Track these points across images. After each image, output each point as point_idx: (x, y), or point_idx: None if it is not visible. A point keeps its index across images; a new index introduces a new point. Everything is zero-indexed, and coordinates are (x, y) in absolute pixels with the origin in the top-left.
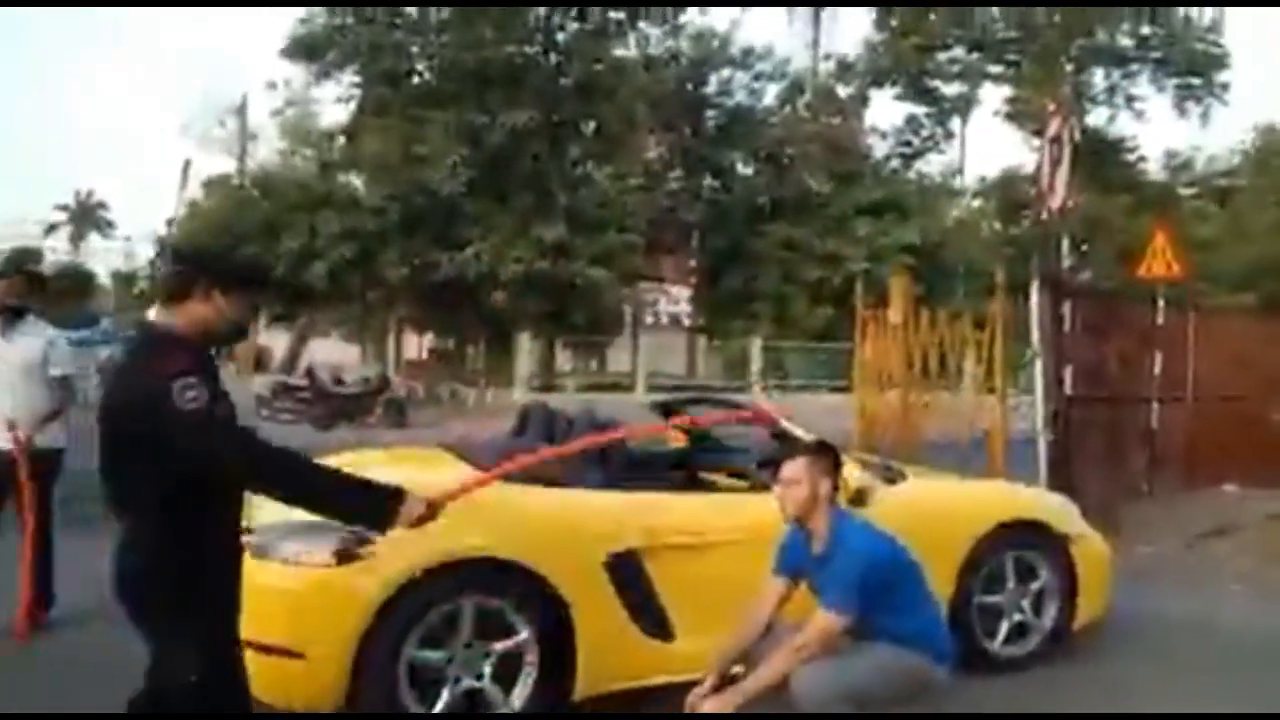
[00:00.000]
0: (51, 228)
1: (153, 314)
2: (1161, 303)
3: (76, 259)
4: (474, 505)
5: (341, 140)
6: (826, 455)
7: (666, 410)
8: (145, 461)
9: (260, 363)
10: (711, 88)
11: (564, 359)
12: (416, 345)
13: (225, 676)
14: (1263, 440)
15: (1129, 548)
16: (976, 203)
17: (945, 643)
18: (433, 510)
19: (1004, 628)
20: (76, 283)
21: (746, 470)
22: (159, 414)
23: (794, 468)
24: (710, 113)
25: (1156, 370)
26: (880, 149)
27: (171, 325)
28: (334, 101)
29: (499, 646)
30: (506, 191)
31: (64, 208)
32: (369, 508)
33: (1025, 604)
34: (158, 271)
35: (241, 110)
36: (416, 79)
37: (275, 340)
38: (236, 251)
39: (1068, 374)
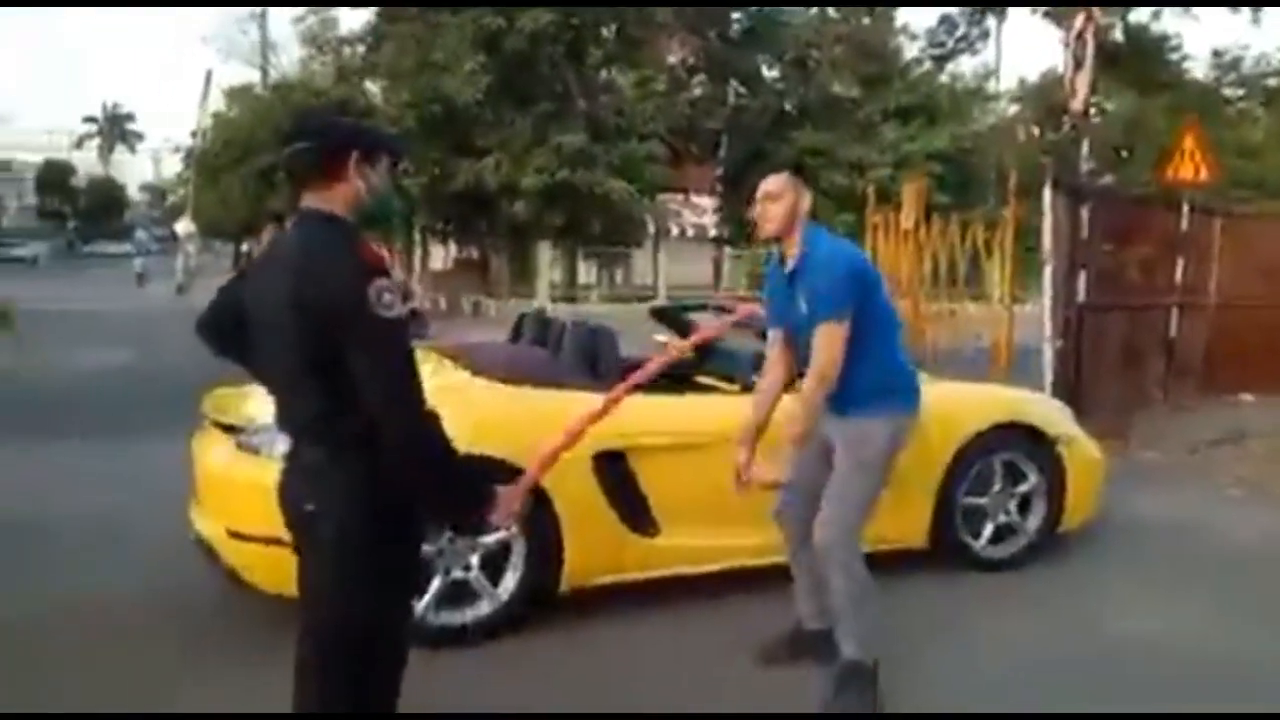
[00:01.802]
0: (81, 140)
1: (308, 200)
2: (1187, 208)
3: (107, 172)
4: (462, 404)
5: (360, 48)
6: (802, 172)
7: (665, 316)
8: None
9: None
10: None
11: (587, 270)
12: (442, 256)
13: (405, 626)
14: None
15: (1135, 454)
16: (1014, 108)
17: (913, 378)
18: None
19: (988, 529)
20: (109, 196)
21: (740, 374)
22: (349, 315)
23: (776, 181)
24: (735, 15)
25: (1178, 277)
26: (911, 51)
27: (333, 209)
28: (350, 8)
29: (486, 540)
30: (525, 98)
31: (92, 120)
32: (458, 507)
33: (1011, 506)
34: (291, 155)
35: (262, 19)
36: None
37: None
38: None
39: (1082, 280)
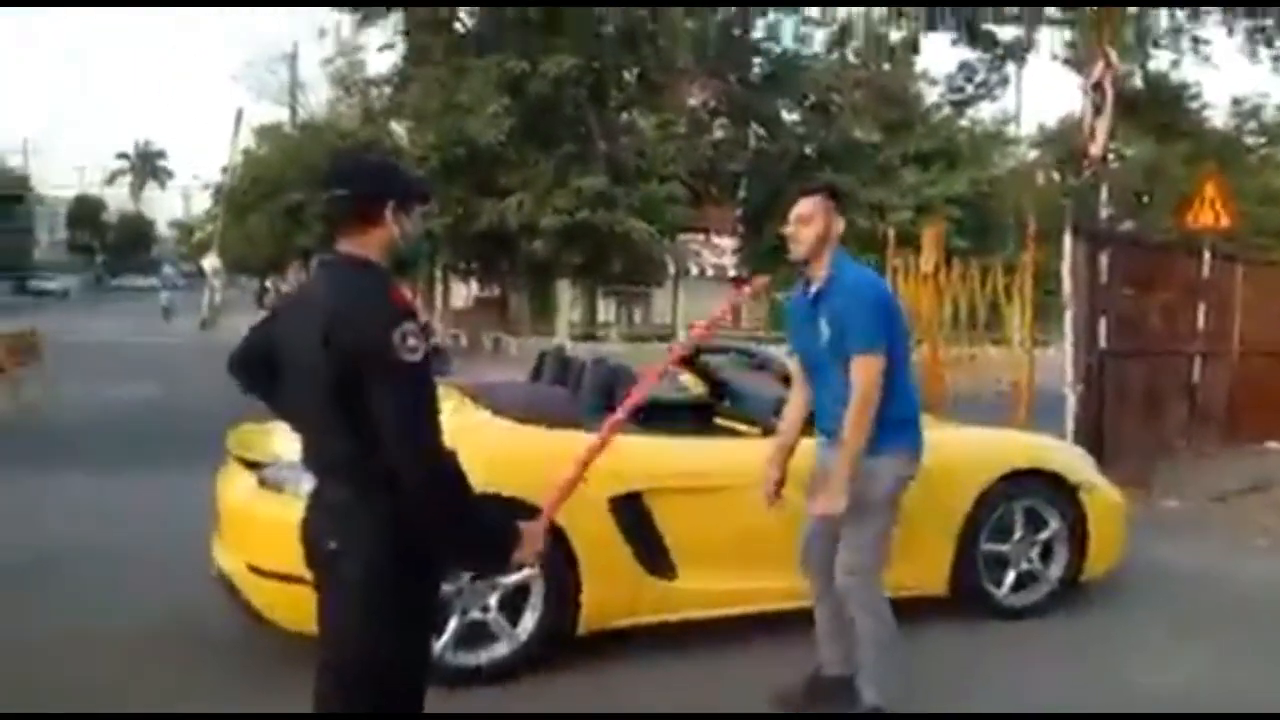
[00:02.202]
0: (113, 176)
1: (342, 244)
2: (1209, 254)
3: (138, 207)
4: (478, 444)
5: (386, 89)
6: (835, 193)
7: (683, 358)
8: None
9: None
10: (758, 33)
11: (607, 308)
12: (464, 294)
13: (426, 665)
14: None
15: (1157, 502)
16: (1033, 153)
17: (918, 414)
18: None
19: (1010, 576)
20: (138, 231)
21: (761, 417)
22: (376, 359)
23: (809, 204)
24: (756, 59)
25: (1200, 324)
26: (931, 96)
27: (366, 254)
28: (377, 49)
29: (504, 580)
30: (547, 140)
31: (124, 156)
32: (479, 549)
33: (1034, 554)
34: (329, 201)
35: (292, 59)
36: (458, 25)
37: None
38: (390, 161)
39: (1103, 326)
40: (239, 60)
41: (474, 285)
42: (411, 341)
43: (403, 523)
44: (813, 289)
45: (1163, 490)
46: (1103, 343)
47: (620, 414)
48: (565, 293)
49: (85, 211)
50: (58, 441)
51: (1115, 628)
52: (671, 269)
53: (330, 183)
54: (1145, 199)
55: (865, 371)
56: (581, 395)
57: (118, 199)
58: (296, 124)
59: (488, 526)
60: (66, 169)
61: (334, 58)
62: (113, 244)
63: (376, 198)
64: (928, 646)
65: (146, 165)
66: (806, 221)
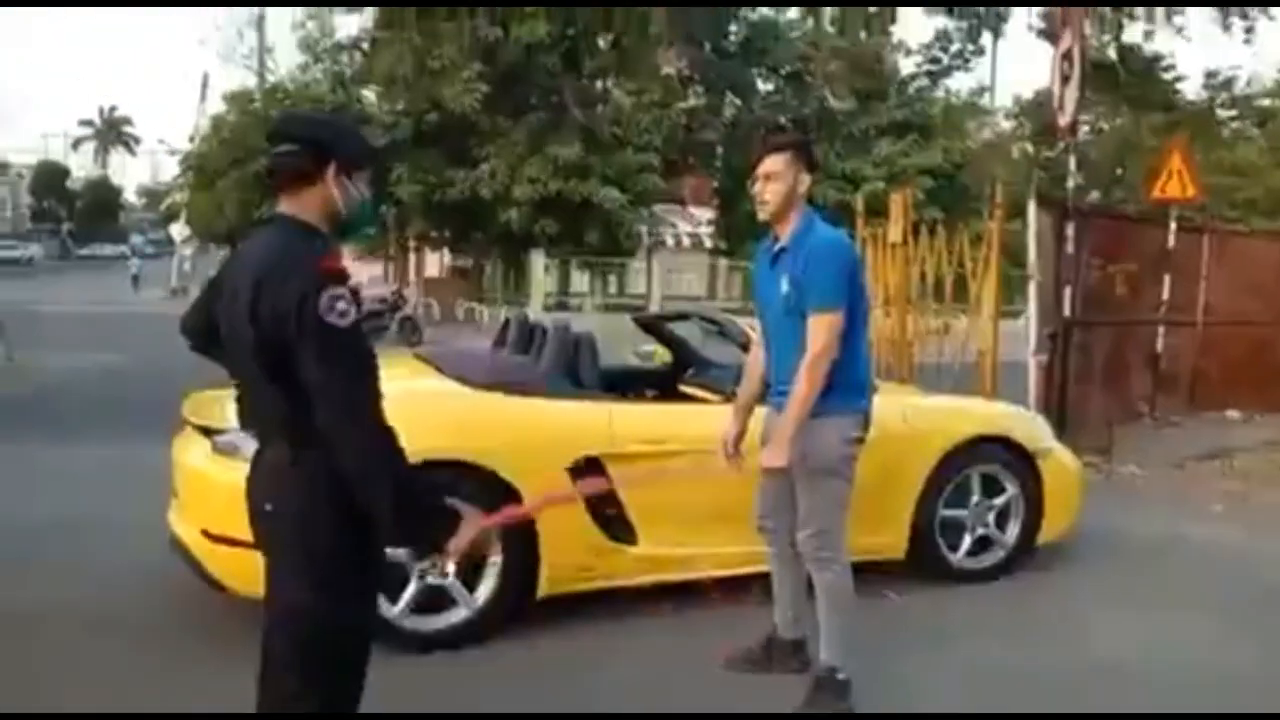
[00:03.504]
0: (77, 143)
1: (283, 204)
2: (1175, 225)
3: (104, 174)
4: (437, 411)
5: (356, 55)
6: (806, 149)
7: (645, 325)
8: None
9: None
10: None
11: (581, 279)
12: (438, 263)
13: (368, 626)
14: (1271, 366)
15: (1118, 469)
16: (1008, 124)
17: (869, 375)
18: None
19: (966, 541)
20: (105, 199)
21: (725, 385)
22: (299, 324)
23: (775, 161)
24: (732, 27)
25: (1165, 295)
26: (907, 66)
27: (305, 217)
28: (346, 12)
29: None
30: (520, 108)
31: (88, 123)
32: (407, 528)
33: (989, 518)
34: (275, 155)
35: (260, 23)
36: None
37: None
38: (343, 119)
39: (1067, 295)
40: (207, 24)
41: (447, 255)
42: (341, 306)
43: (337, 484)
44: (777, 246)
45: (1123, 457)
46: (1067, 312)
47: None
48: (539, 263)
49: (49, 179)
50: (16, 410)
51: (1067, 590)
52: (647, 239)
53: (275, 139)
54: (1120, 172)
55: (823, 329)
56: (543, 362)
57: (84, 167)
58: (265, 90)
59: (418, 509)
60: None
61: (303, 22)
62: (80, 212)
63: (318, 157)
64: (884, 609)
65: (112, 132)
66: (772, 178)
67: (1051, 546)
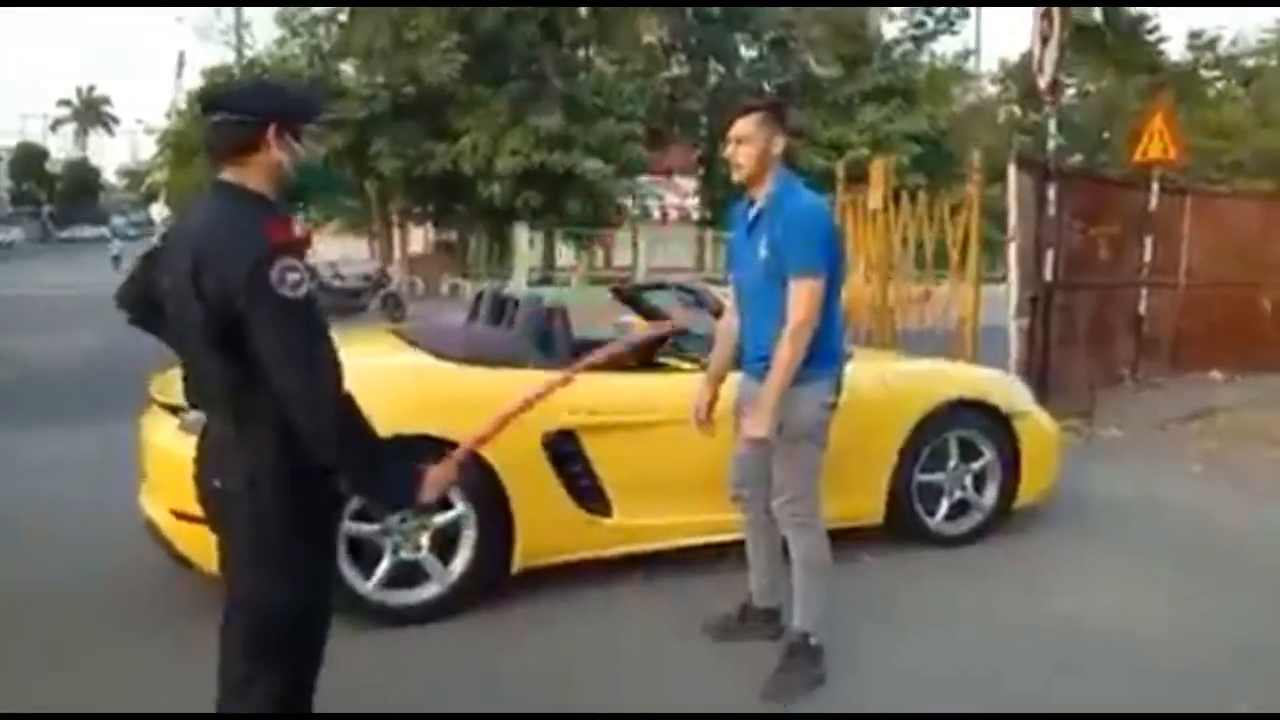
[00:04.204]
0: (55, 124)
1: (225, 173)
2: (1157, 187)
3: (83, 156)
4: (414, 385)
5: (333, 27)
6: (779, 112)
7: (625, 296)
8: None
9: None
10: None
11: (567, 252)
12: (422, 239)
13: (322, 606)
14: (1253, 327)
15: (1099, 431)
16: (994, 88)
17: (841, 341)
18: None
19: (944, 505)
20: (85, 180)
21: (703, 355)
22: (250, 296)
23: (747, 124)
24: None
25: (1147, 257)
26: (890, 31)
27: (250, 185)
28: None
29: (436, 520)
30: (500, 79)
31: (66, 103)
32: (386, 484)
33: (967, 482)
34: (211, 127)
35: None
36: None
37: None
38: (276, 79)
39: (1049, 259)
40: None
41: (431, 230)
42: (292, 277)
43: (287, 458)
44: (754, 210)
45: (1105, 420)
46: (1048, 275)
47: (553, 381)
48: (523, 236)
49: (28, 161)
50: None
51: (1045, 552)
52: (632, 210)
53: (209, 108)
54: (1105, 136)
55: (806, 295)
56: (515, 334)
57: (63, 148)
58: (241, 65)
59: (385, 470)
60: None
61: None
62: (60, 194)
63: (254, 120)
64: (859, 573)
65: (90, 112)
66: (744, 141)
67: (1029, 509)
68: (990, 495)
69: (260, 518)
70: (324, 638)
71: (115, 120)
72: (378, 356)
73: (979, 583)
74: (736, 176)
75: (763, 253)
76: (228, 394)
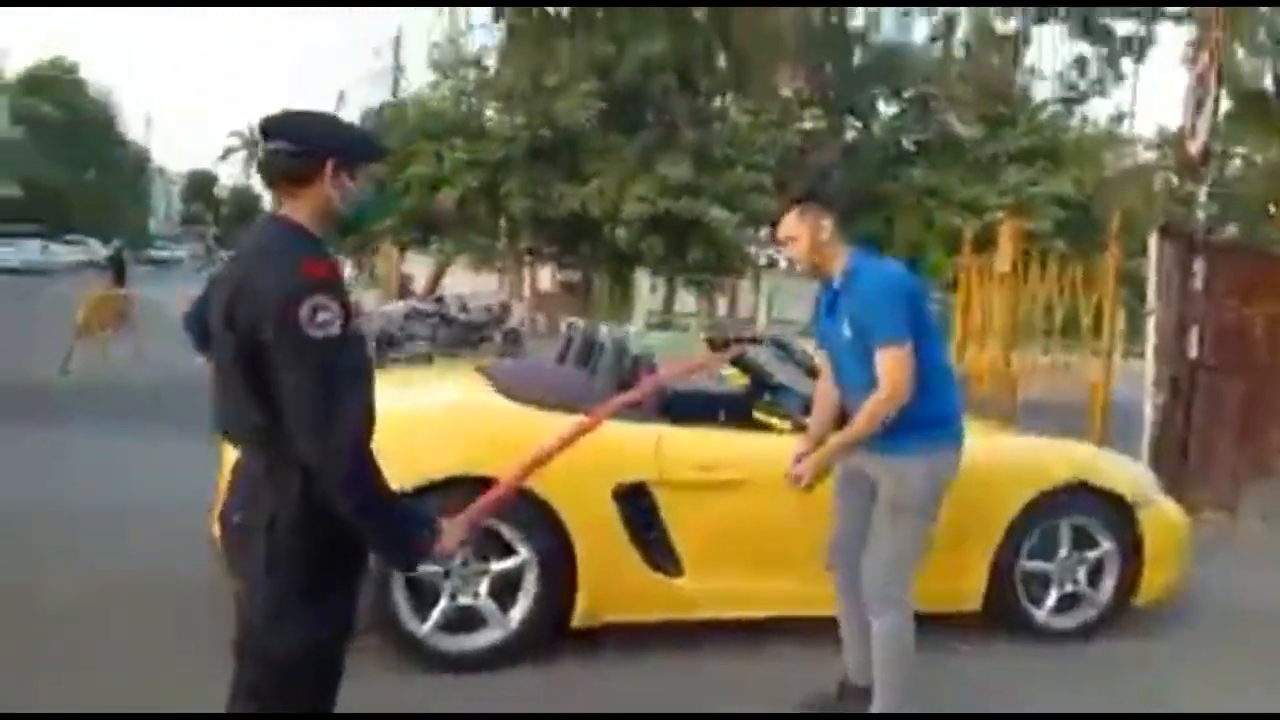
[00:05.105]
0: (226, 153)
1: (284, 208)
2: None
3: (248, 184)
4: (475, 425)
5: (481, 70)
6: (817, 195)
7: (716, 346)
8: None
9: (404, 289)
10: (858, 20)
11: (688, 298)
12: (550, 277)
13: (334, 652)
14: None
15: (1242, 527)
16: (1150, 154)
17: (957, 409)
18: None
19: (1053, 597)
20: (248, 206)
21: (792, 412)
22: (276, 332)
23: (786, 227)
24: (855, 47)
25: None
26: (1041, 91)
27: (296, 218)
28: (467, 29)
29: (496, 566)
30: (634, 125)
31: (238, 135)
32: (395, 545)
33: (1080, 573)
34: (266, 152)
35: (396, 43)
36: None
37: (417, 268)
38: (338, 118)
39: (1194, 336)
40: (345, 44)
41: (557, 269)
42: (322, 316)
43: (308, 500)
44: (830, 294)
45: (1251, 513)
46: (1192, 353)
47: (588, 421)
48: (644, 281)
49: (200, 186)
50: (140, 401)
51: (1162, 656)
52: (757, 259)
53: (267, 136)
54: (1273, 209)
55: (891, 363)
56: (596, 380)
57: (231, 175)
58: (391, 106)
59: (397, 525)
60: (185, 142)
61: (440, 42)
62: (225, 217)
63: (311, 154)
64: (951, 661)
65: (258, 145)
66: (790, 242)
67: (1150, 608)
68: (1107, 589)
69: (274, 559)
70: (333, 686)
71: None
72: (446, 394)
73: (1085, 684)
74: (803, 273)
75: (846, 333)
76: (262, 431)
